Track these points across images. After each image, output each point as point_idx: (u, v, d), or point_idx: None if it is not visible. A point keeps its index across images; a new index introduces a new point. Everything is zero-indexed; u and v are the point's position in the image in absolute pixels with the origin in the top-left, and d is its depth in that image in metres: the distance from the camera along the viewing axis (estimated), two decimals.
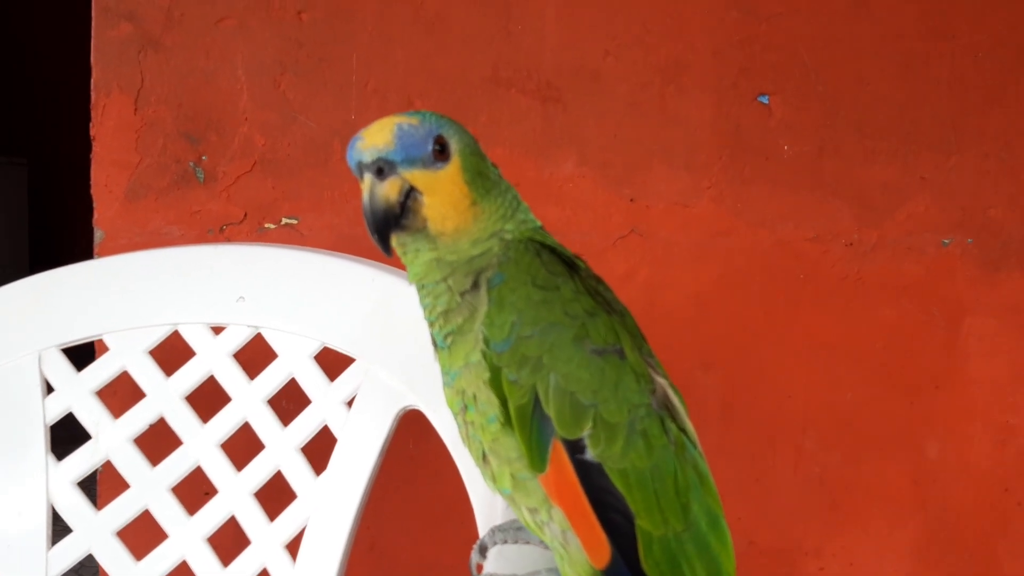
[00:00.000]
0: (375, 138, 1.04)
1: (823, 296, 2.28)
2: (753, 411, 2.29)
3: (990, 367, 2.30)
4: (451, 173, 1.06)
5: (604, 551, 1.04)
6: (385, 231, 1.04)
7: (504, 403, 1.04)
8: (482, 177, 1.09)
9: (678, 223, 2.26)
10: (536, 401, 1.02)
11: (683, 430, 1.08)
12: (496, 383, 1.04)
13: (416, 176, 1.04)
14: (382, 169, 1.03)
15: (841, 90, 2.26)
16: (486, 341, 1.04)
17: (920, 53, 2.26)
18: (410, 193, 1.04)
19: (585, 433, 1.02)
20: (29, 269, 6.06)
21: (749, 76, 2.25)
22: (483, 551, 1.26)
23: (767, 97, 2.25)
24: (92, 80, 2.20)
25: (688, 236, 2.26)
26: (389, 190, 1.03)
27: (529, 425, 1.02)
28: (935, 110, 2.27)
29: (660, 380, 1.09)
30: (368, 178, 1.03)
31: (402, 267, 1.55)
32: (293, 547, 1.64)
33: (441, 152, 1.05)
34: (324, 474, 1.63)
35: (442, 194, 1.05)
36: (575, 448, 1.03)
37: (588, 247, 2.24)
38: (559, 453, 1.03)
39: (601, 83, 2.25)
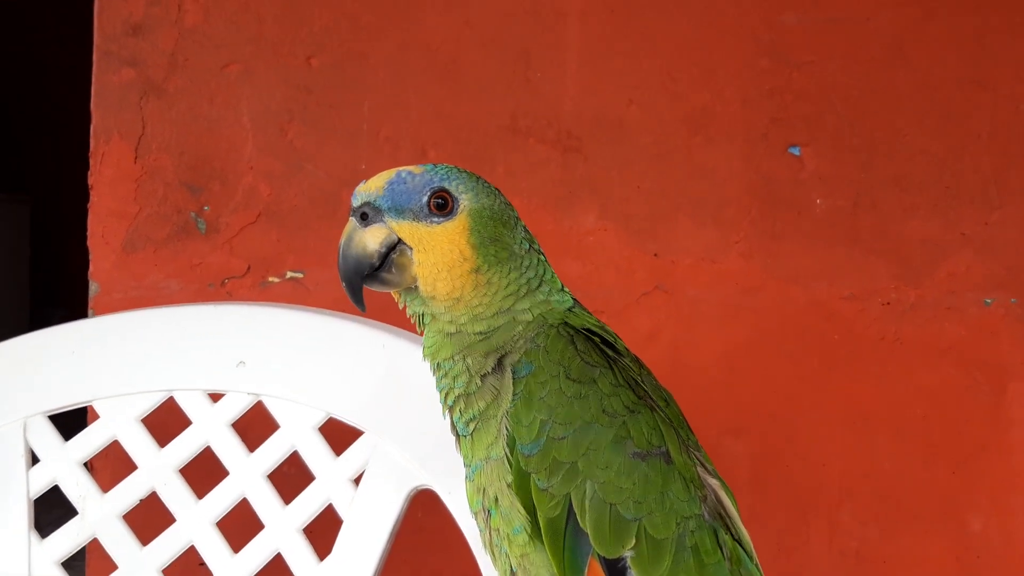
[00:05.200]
0: (371, 183, 0.99)
1: (859, 358, 2.17)
2: (785, 481, 2.18)
3: None
4: (451, 231, 0.97)
5: None
6: (355, 281, 0.98)
7: (532, 513, 0.91)
8: (496, 244, 0.98)
9: (705, 280, 2.16)
10: (570, 513, 0.90)
11: (738, 540, 0.96)
12: (523, 490, 0.91)
13: (404, 228, 0.97)
14: (367, 215, 0.98)
15: (877, 141, 2.16)
16: (510, 442, 0.92)
17: (960, 103, 2.16)
18: (397, 246, 0.97)
19: (627, 551, 0.90)
20: (30, 305, 6.03)
21: (780, 126, 2.16)
22: None
23: (799, 148, 2.16)
24: (91, 127, 2.15)
25: (716, 294, 2.17)
26: (368, 237, 0.98)
27: (562, 541, 0.90)
28: (976, 163, 2.16)
29: (711, 480, 0.96)
30: (350, 222, 0.98)
31: (416, 331, 1.44)
32: None
33: (442, 207, 0.95)
34: (328, 559, 1.50)
35: (435, 252, 0.97)
36: (615, 568, 0.90)
37: (610, 304, 2.14)
38: (597, 574, 0.90)
39: (624, 132, 2.17)
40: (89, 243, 2.14)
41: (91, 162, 2.14)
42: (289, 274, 2.14)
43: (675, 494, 0.91)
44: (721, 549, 0.92)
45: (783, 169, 2.16)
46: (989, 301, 2.16)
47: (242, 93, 2.14)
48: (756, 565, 0.97)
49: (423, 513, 2.04)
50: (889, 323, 2.16)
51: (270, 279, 2.14)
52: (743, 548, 0.96)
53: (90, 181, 2.14)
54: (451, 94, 2.16)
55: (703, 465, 0.97)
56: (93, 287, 2.14)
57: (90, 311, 2.13)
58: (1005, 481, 2.17)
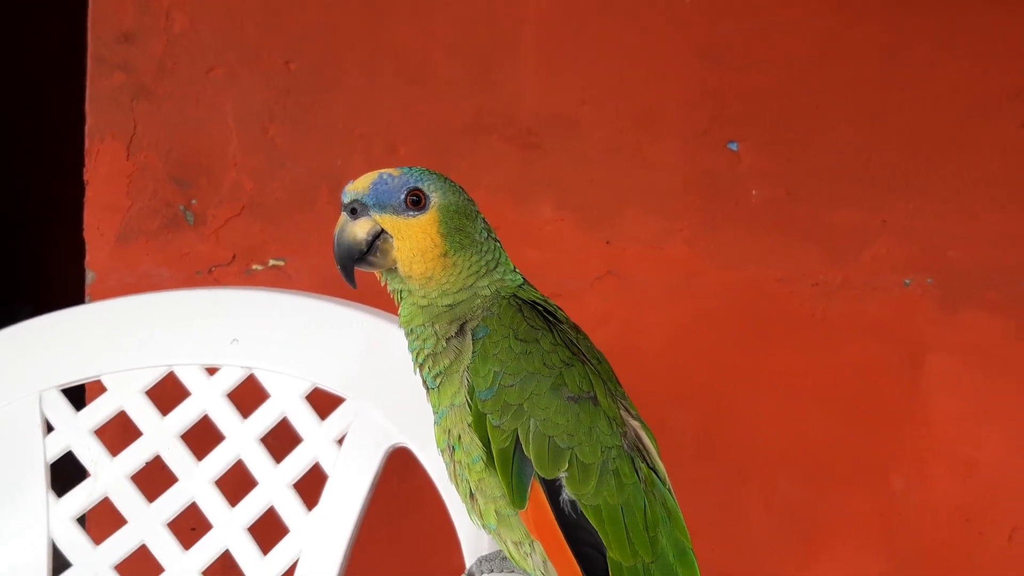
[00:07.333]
0: (358, 184, 1.18)
1: (791, 335, 2.33)
2: (726, 447, 2.34)
3: (952, 403, 2.35)
4: (424, 223, 1.17)
5: None
6: (348, 263, 1.17)
7: (487, 445, 1.13)
8: (460, 233, 1.19)
9: (652, 265, 2.32)
10: (517, 444, 1.11)
11: (653, 468, 1.17)
12: (480, 427, 1.13)
13: (385, 220, 1.17)
14: (355, 210, 1.17)
15: (807, 137, 2.33)
16: (471, 390, 1.13)
17: (879, 102, 2.33)
18: (381, 235, 1.15)
19: (562, 473, 1.11)
20: None
21: (719, 124, 2.32)
22: None
23: (736, 144, 2.32)
24: (86, 127, 2.27)
25: (662, 278, 2.32)
26: (358, 228, 1.16)
27: (511, 466, 1.11)
28: (896, 156, 2.33)
29: (633, 423, 1.18)
30: (342, 216, 1.17)
31: (389, 310, 1.63)
32: None
33: (416, 203, 1.16)
34: (316, 509, 1.68)
35: (411, 240, 1.17)
36: (552, 487, 1.11)
37: (566, 288, 2.30)
38: (537, 491, 1.12)
39: (578, 130, 2.32)
40: (85, 235, 2.27)
41: (86, 160, 2.26)
42: (271, 262, 2.29)
43: (600, 429, 1.13)
44: (637, 473, 1.14)
45: (722, 163, 2.32)
46: (908, 282, 2.34)
47: (226, 95, 2.28)
48: (669, 489, 1.18)
49: (398, 479, 2.22)
50: (818, 302, 2.33)
51: (254, 267, 2.28)
52: (657, 475, 1.17)
53: (86, 177, 2.27)
54: (419, 95, 2.30)
55: (627, 410, 1.19)
56: (90, 275, 2.26)
57: (87, 298, 2.27)
58: (923, 445, 2.35)
